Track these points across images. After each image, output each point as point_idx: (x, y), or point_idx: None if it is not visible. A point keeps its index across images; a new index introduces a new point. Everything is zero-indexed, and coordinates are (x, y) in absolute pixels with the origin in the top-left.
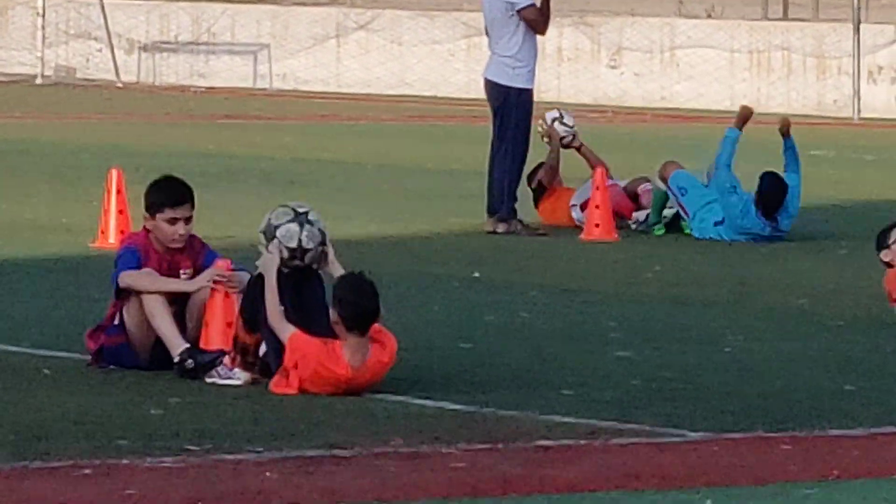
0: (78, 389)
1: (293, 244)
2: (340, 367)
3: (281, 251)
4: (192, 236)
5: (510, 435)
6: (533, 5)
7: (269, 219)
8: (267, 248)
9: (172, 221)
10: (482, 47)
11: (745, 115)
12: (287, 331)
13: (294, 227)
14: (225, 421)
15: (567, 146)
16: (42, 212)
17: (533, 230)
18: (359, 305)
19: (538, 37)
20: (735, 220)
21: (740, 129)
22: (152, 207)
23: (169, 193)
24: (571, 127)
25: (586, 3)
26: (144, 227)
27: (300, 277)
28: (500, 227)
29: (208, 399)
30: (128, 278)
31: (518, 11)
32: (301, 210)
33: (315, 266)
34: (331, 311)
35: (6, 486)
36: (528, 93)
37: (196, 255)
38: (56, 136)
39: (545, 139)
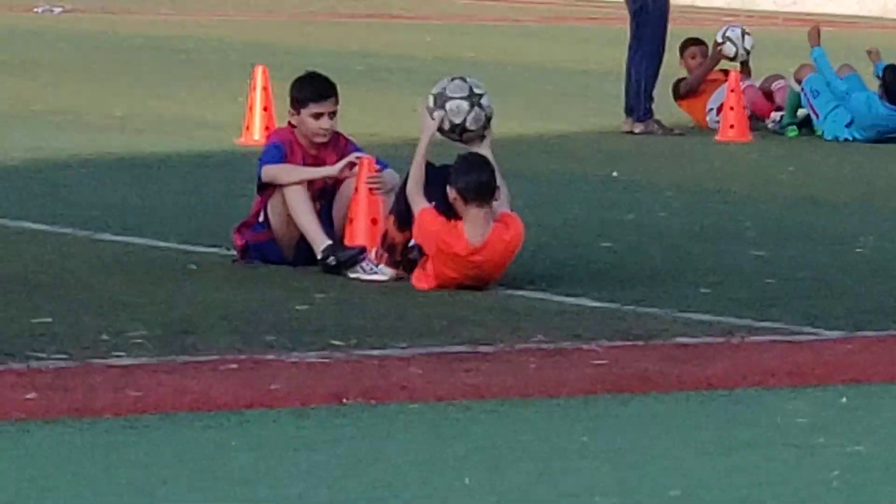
0: (224, 285)
1: (457, 120)
2: (460, 242)
3: (443, 122)
4: (336, 133)
5: (649, 332)
6: None
7: (445, 88)
8: (432, 113)
9: (317, 116)
10: None
11: (814, 34)
12: (420, 204)
13: (465, 104)
14: (369, 316)
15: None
16: (188, 108)
17: (669, 130)
18: (473, 176)
19: None
20: (863, 118)
21: (818, 45)
22: (297, 102)
23: (314, 88)
24: (748, 52)
25: None
26: (289, 122)
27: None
28: (637, 128)
29: (353, 295)
30: (270, 171)
31: None
32: (477, 91)
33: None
34: (448, 190)
35: (154, 380)
36: None
37: (341, 150)
38: (201, 33)
39: (718, 48)
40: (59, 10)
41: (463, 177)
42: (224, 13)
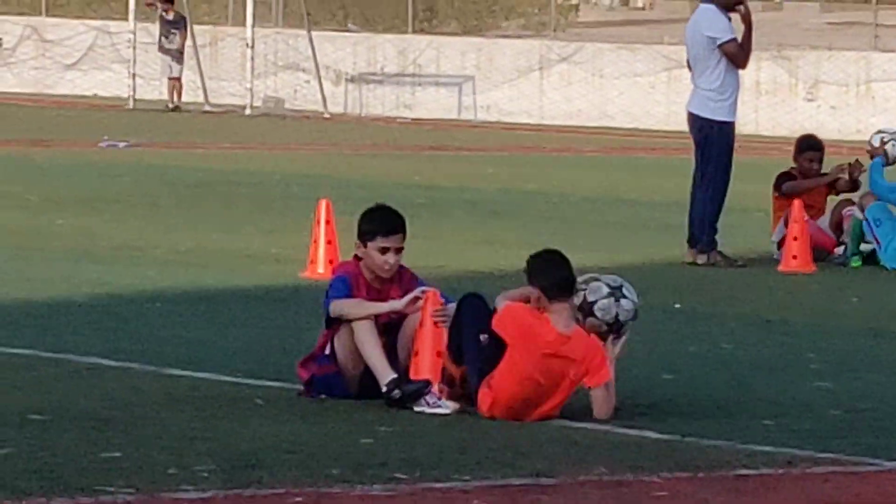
0: (290, 418)
1: (609, 318)
2: (550, 331)
3: (599, 326)
4: (401, 267)
5: (711, 463)
6: (734, 40)
7: (585, 294)
8: (584, 322)
9: (384, 251)
10: (683, 80)
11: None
12: (503, 302)
13: (608, 301)
14: (433, 449)
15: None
16: (252, 242)
17: (732, 261)
18: (555, 272)
19: (739, 70)
20: None
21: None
22: (365, 235)
23: (382, 222)
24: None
25: (784, 37)
26: (355, 255)
27: None
28: (700, 259)
29: (416, 428)
30: (338, 306)
31: (720, 46)
32: (614, 285)
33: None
34: (530, 291)
35: None
36: (729, 125)
37: (405, 285)
38: (265, 167)
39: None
40: (124, 144)
41: (544, 275)
42: (287, 146)
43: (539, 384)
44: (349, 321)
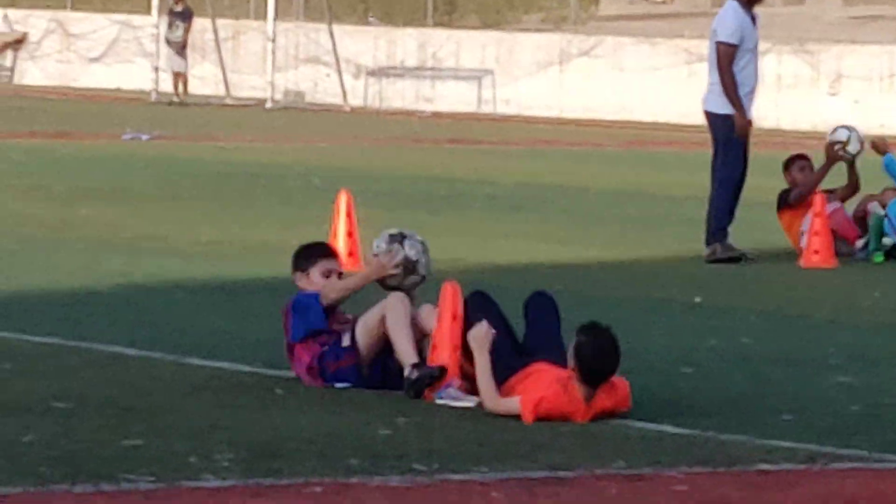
0: (309, 409)
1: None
2: (580, 408)
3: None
4: None
5: (730, 458)
6: (726, 43)
7: (400, 230)
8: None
9: (327, 273)
10: (703, 74)
11: (882, 144)
12: (511, 403)
13: (420, 246)
14: (451, 441)
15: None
16: (273, 234)
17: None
18: (602, 363)
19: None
20: None
21: (888, 152)
22: (306, 264)
23: (317, 249)
24: (853, 153)
25: (806, 31)
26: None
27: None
28: (706, 251)
29: (434, 420)
30: (329, 292)
31: (716, 42)
32: (394, 233)
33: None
34: (569, 356)
35: (241, 502)
36: (734, 119)
37: None
38: (285, 159)
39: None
40: (147, 136)
41: (591, 359)
42: (308, 139)
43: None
44: (339, 296)
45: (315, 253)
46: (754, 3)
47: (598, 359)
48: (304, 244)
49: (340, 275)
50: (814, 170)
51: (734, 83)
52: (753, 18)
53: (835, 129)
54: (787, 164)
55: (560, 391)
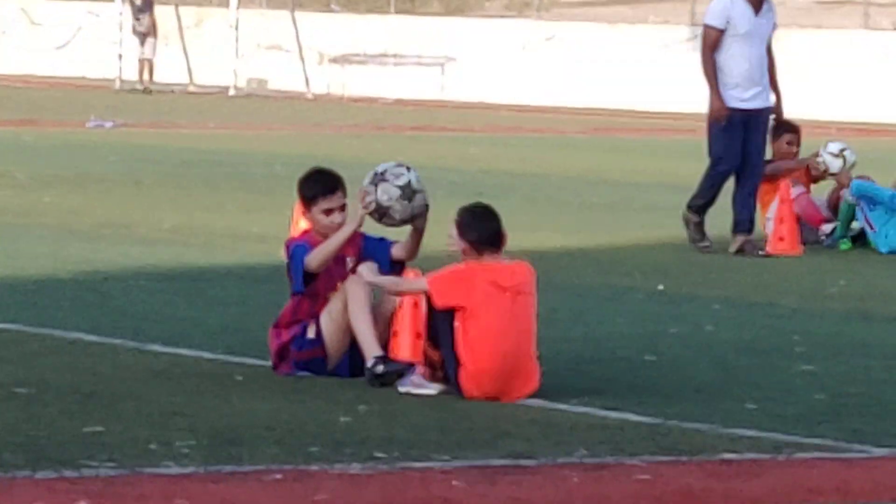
0: (269, 395)
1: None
2: (494, 267)
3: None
4: None
5: (694, 447)
6: (708, 25)
7: (387, 170)
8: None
9: (328, 212)
10: (666, 60)
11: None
12: (420, 282)
13: (397, 192)
14: (412, 429)
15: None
16: (235, 221)
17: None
18: (485, 226)
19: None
20: None
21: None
22: (307, 201)
23: (321, 184)
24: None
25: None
26: (304, 230)
27: None
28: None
29: (396, 407)
30: (313, 258)
31: (704, 25)
32: (416, 187)
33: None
34: (457, 241)
35: (201, 489)
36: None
37: (357, 243)
38: (248, 147)
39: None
40: (111, 124)
41: (475, 229)
42: (270, 126)
43: (508, 318)
44: (323, 261)
45: (316, 190)
46: None
47: (477, 219)
48: (306, 174)
49: (343, 207)
50: (799, 149)
51: (712, 67)
52: (759, 6)
53: (828, 144)
54: (776, 132)
55: (458, 265)
